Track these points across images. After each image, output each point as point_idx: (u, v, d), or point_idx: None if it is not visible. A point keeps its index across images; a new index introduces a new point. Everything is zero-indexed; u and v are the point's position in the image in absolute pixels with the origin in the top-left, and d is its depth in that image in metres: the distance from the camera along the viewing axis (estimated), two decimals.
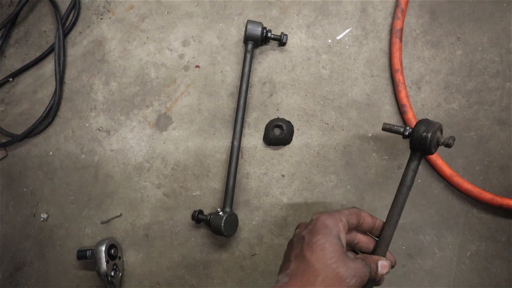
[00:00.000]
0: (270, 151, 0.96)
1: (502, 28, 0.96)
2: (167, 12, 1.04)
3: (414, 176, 0.70)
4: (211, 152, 0.97)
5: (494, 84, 0.94)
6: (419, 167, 0.72)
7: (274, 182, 0.95)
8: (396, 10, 0.96)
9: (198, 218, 0.91)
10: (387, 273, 0.67)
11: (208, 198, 0.96)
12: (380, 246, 0.69)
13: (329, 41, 0.99)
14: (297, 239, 0.65)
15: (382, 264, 0.66)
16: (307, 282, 0.58)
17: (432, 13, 0.98)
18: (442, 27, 0.97)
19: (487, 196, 0.87)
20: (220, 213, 0.87)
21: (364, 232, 0.71)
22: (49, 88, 1.05)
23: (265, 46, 0.99)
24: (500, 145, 0.92)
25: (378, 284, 0.70)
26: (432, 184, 0.92)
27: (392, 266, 0.69)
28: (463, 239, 0.89)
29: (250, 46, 0.94)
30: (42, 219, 1.01)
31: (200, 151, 0.98)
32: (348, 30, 0.99)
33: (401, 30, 0.95)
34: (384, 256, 0.69)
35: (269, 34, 0.95)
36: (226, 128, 0.98)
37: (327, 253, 0.59)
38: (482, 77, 0.95)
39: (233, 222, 0.88)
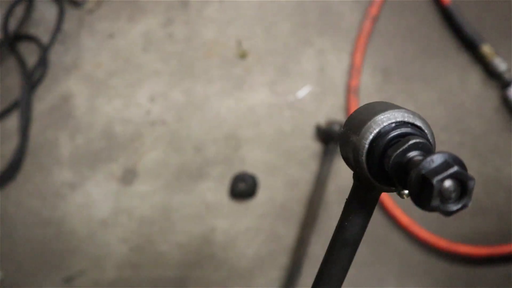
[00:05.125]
0: (235, 204, 0.98)
1: (448, 86, 1.04)
2: (135, 70, 1.07)
3: None
4: (178, 207, 0.98)
5: (444, 137, 1.01)
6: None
7: (240, 235, 0.96)
8: (352, 70, 1.03)
9: None
10: None
11: (175, 254, 0.96)
12: None
13: (291, 98, 1.04)
14: None
15: None
16: None
17: (384, 72, 1.06)
18: (394, 85, 1.05)
19: (443, 243, 0.91)
20: None
21: None
22: (13, 143, 1.04)
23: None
24: None
25: None
26: (392, 234, 0.96)
27: None
28: (425, 287, 0.93)
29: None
30: None
31: (167, 206, 0.98)
32: (308, 88, 1.05)
33: (357, 88, 1.02)
34: None
35: None
36: (193, 183, 0.99)
37: None
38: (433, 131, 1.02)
39: None
